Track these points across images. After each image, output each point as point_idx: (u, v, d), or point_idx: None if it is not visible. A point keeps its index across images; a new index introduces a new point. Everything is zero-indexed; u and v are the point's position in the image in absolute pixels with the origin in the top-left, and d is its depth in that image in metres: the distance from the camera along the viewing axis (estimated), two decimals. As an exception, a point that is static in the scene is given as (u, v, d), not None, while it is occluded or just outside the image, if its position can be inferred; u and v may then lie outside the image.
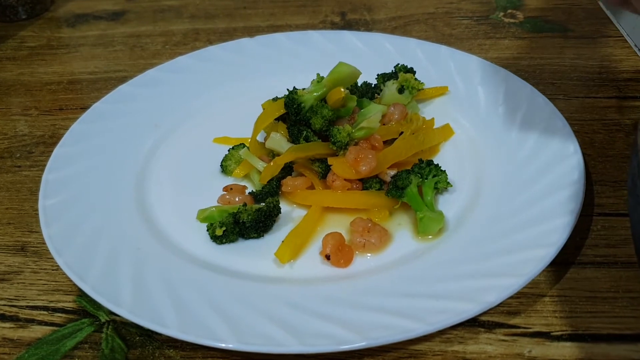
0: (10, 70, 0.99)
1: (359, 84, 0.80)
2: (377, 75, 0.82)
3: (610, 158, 0.72)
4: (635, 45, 0.92)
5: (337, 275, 0.60)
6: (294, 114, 0.72)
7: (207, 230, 0.64)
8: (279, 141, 0.71)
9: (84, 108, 0.83)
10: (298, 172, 0.71)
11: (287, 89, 0.75)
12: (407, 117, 0.74)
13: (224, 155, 0.74)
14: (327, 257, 0.61)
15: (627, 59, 0.89)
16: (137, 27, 1.09)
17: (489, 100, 0.78)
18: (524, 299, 0.57)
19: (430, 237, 0.63)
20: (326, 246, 0.61)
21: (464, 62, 0.84)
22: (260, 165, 0.71)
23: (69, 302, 0.61)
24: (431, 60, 0.86)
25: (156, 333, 0.57)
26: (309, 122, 0.71)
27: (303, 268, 0.62)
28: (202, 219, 0.67)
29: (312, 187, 0.69)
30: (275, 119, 0.74)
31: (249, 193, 0.69)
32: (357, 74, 0.74)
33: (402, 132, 0.72)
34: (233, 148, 0.74)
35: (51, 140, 0.82)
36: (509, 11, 1.04)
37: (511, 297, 0.56)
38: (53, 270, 0.64)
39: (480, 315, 0.56)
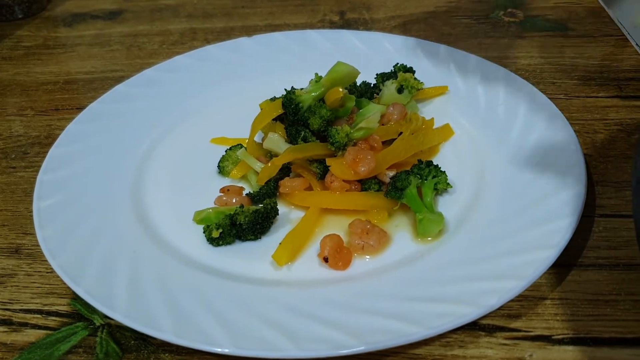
0: (6, 70, 0.98)
1: (358, 84, 0.79)
2: (376, 74, 0.81)
3: (612, 158, 0.71)
4: (637, 44, 0.91)
5: (336, 278, 0.60)
6: (292, 114, 0.71)
7: (204, 232, 0.64)
8: (276, 142, 0.71)
9: (80, 108, 0.82)
10: (296, 173, 0.70)
11: (285, 89, 0.74)
12: (406, 117, 0.74)
13: (221, 156, 0.73)
14: (325, 260, 0.60)
15: (629, 58, 0.88)
16: (134, 26, 1.08)
17: (489, 100, 0.78)
18: (525, 301, 0.57)
19: (429, 238, 0.63)
20: (324, 248, 0.61)
21: (463, 62, 0.84)
22: (258, 166, 0.70)
23: (63, 305, 0.60)
24: (431, 60, 0.85)
25: (151, 337, 0.56)
26: (307, 122, 0.70)
27: (301, 270, 0.61)
28: (199, 220, 0.66)
29: (310, 188, 0.68)
30: (273, 119, 0.74)
31: (246, 194, 0.69)
32: (356, 73, 0.73)
33: (401, 133, 0.72)
34: (230, 149, 0.73)
35: (47, 141, 0.81)
36: (509, 10, 1.04)
37: (512, 300, 0.56)
38: (47, 273, 0.63)
39: (481, 318, 0.55)
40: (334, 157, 0.68)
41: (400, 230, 0.64)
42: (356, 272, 0.60)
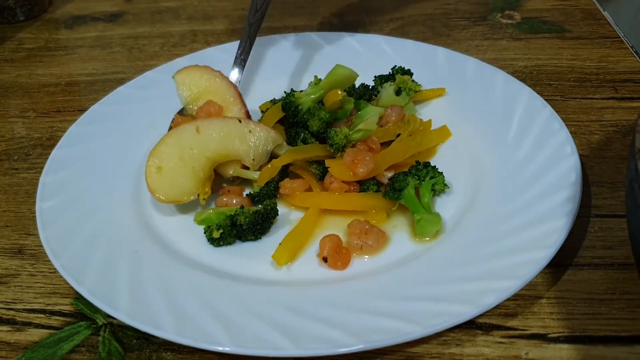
0: (8, 72, 0.99)
1: (357, 86, 0.80)
2: (375, 77, 0.82)
3: (607, 159, 0.72)
4: (632, 46, 0.92)
5: (335, 277, 0.60)
6: (292, 116, 0.72)
7: (205, 232, 0.65)
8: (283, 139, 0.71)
9: (82, 110, 0.83)
10: (295, 174, 0.71)
11: (285, 92, 0.75)
12: (404, 119, 0.74)
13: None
14: (325, 260, 0.61)
15: (624, 59, 0.89)
16: (135, 28, 1.09)
17: (486, 101, 0.78)
18: (521, 301, 0.57)
19: (427, 239, 0.63)
20: (323, 248, 0.61)
21: (461, 64, 0.85)
22: (256, 174, 0.70)
23: (66, 305, 0.61)
24: (428, 62, 0.86)
25: (153, 336, 0.57)
26: (306, 124, 0.71)
27: (300, 270, 0.62)
28: (200, 221, 0.67)
29: (309, 189, 0.69)
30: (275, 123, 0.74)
31: (247, 195, 0.69)
32: (355, 76, 0.74)
33: (399, 134, 0.72)
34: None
35: (49, 143, 0.82)
36: (506, 12, 1.04)
37: (508, 299, 0.56)
38: (50, 273, 0.64)
39: (478, 317, 0.56)
40: (333, 159, 0.68)
41: (398, 231, 0.65)
42: (355, 272, 0.61)
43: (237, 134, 0.69)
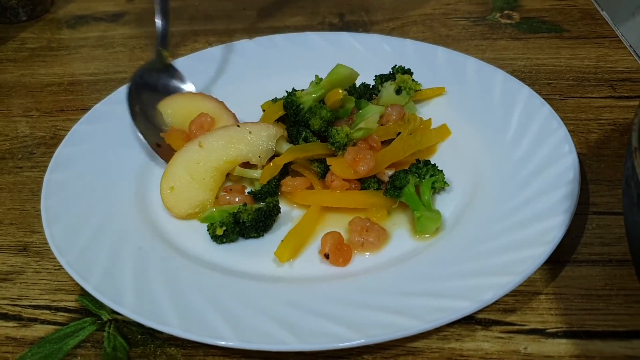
0: (11, 72, 1.00)
1: (357, 85, 0.80)
2: (375, 76, 0.83)
3: (605, 157, 0.73)
4: (630, 46, 0.92)
5: (336, 274, 0.61)
6: (293, 115, 0.72)
7: (208, 230, 0.65)
8: (278, 142, 0.72)
9: (85, 109, 0.84)
10: (296, 172, 0.71)
11: (286, 91, 0.75)
12: (404, 118, 0.75)
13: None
14: (326, 256, 0.62)
15: (622, 59, 0.90)
16: (137, 28, 1.09)
17: (485, 100, 0.79)
18: (520, 296, 0.58)
19: (427, 236, 0.64)
20: (325, 245, 0.62)
21: (460, 63, 0.85)
22: (257, 174, 0.71)
23: (71, 301, 0.62)
24: (428, 62, 0.87)
25: (158, 331, 0.57)
26: (307, 123, 0.72)
27: (302, 267, 0.62)
28: (203, 219, 0.68)
29: (311, 187, 0.70)
30: (275, 120, 0.75)
31: (249, 193, 0.70)
32: (355, 75, 0.74)
33: (399, 133, 0.73)
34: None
35: (52, 141, 0.83)
36: (506, 12, 1.05)
37: (507, 295, 0.57)
38: (55, 270, 0.65)
39: (477, 313, 0.57)
40: (335, 157, 0.69)
41: (398, 228, 0.66)
42: (356, 269, 0.62)
43: (239, 138, 0.70)
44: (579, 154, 0.68)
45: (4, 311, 0.61)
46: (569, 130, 0.71)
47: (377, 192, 0.68)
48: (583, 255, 0.62)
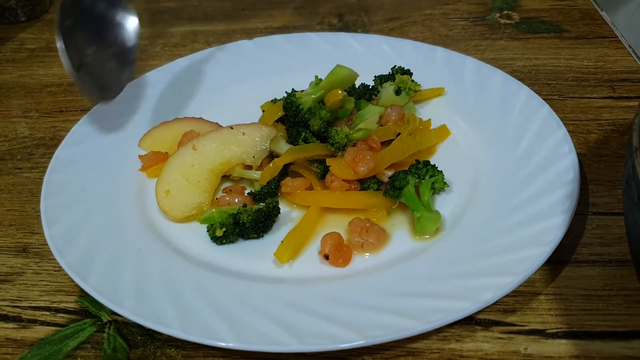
0: (10, 73, 1.00)
1: (357, 86, 0.81)
2: (375, 76, 0.83)
3: (605, 158, 0.73)
4: (630, 46, 0.93)
5: (336, 274, 0.61)
6: (293, 116, 0.72)
7: (207, 231, 0.65)
8: (278, 142, 0.72)
9: (84, 110, 0.84)
10: (296, 173, 0.71)
11: (286, 92, 0.75)
12: (404, 118, 0.75)
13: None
14: (326, 257, 0.62)
15: (622, 59, 0.90)
16: (136, 29, 1.09)
17: (485, 101, 0.79)
18: (520, 297, 0.58)
19: (427, 236, 0.64)
20: (325, 246, 0.62)
21: (460, 64, 0.85)
22: (256, 175, 0.71)
23: (71, 302, 0.62)
24: (428, 62, 0.87)
25: (157, 333, 0.57)
26: (307, 123, 0.72)
27: (302, 268, 0.62)
28: (202, 220, 0.68)
29: (311, 188, 0.70)
30: (275, 121, 0.75)
31: (248, 194, 0.70)
32: (355, 76, 0.75)
33: (399, 133, 0.73)
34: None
35: (52, 142, 0.83)
36: (505, 12, 1.05)
37: (507, 296, 0.57)
38: (55, 271, 0.65)
39: (477, 313, 0.57)
40: (334, 158, 0.69)
41: (398, 228, 0.66)
42: (356, 269, 0.62)
43: (232, 140, 0.71)
44: (578, 154, 0.69)
45: (4, 312, 0.61)
46: (568, 131, 0.71)
47: (376, 193, 0.68)
48: (583, 256, 0.62)
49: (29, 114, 0.89)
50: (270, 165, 0.69)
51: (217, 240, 0.65)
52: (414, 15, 1.06)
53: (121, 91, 0.76)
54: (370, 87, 0.82)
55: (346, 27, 1.04)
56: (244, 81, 0.88)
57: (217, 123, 0.78)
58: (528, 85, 0.80)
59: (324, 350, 0.52)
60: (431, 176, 0.67)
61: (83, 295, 0.62)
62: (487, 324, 0.56)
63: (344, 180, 0.68)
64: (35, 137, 0.84)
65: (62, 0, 0.72)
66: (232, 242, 0.65)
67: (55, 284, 0.63)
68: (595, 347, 0.54)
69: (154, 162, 0.74)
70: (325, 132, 0.71)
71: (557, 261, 0.61)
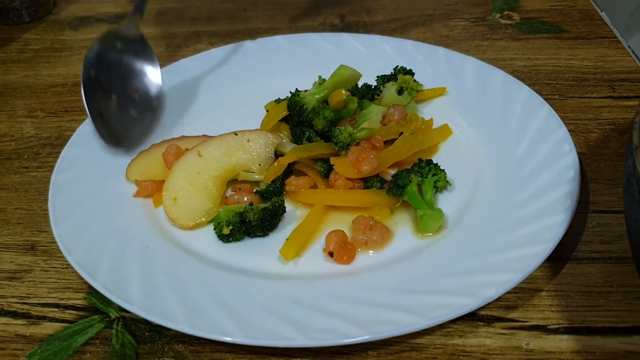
0: (15, 73, 1.00)
1: (359, 86, 0.81)
2: (377, 76, 0.83)
3: (605, 157, 0.74)
4: (629, 46, 0.93)
5: (340, 271, 0.62)
6: (297, 116, 0.73)
7: (214, 229, 0.66)
8: (282, 142, 0.73)
9: (90, 110, 0.84)
10: (300, 171, 0.72)
11: (290, 92, 0.76)
12: (406, 118, 0.76)
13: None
14: (331, 254, 0.63)
15: (621, 59, 0.91)
16: (139, 29, 1.10)
17: (486, 100, 0.80)
18: (521, 293, 0.59)
19: (430, 234, 0.65)
20: (329, 243, 0.63)
21: (461, 64, 0.86)
22: (257, 177, 0.72)
23: (79, 299, 0.62)
24: (429, 62, 0.87)
25: (165, 328, 0.58)
26: (311, 123, 0.73)
27: (307, 265, 0.63)
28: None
29: (315, 187, 0.70)
30: (279, 120, 0.76)
31: (255, 192, 0.71)
32: (358, 76, 0.75)
33: (402, 133, 0.74)
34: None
35: (57, 142, 0.84)
36: (506, 12, 1.06)
37: (509, 292, 0.58)
38: (63, 268, 0.66)
39: (480, 309, 0.57)
40: (338, 157, 0.70)
41: (401, 226, 0.67)
42: (360, 266, 0.63)
43: (238, 147, 0.71)
44: (578, 153, 0.69)
45: (13, 309, 0.62)
46: (568, 130, 0.72)
47: (380, 191, 0.69)
48: (583, 253, 0.63)
49: (34, 113, 0.90)
50: (275, 164, 0.70)
51: (224, 238, 0.65)
52: (415, 16, 1.07)
53: (143, 138, 0.78)
54: (373, 87, 0.82)
55: (348, 28, 1.05)
56: (247, 81, 0.88)
57: (204, 135, 0.76)
58: (529, 85, 0.80)
59: (329, 345, 0.53)
60: (433, 175, 0.68)
61: (91, 292, 0.63)
62: (490, 320, 0.57)
63: (347, 178, 0.68)
64: (41, 137, 0.85)
65: (87, 53, 0.76)
66: (238, 240, 0.66)
67: (64, 281, 0.64)
68: (596, 343, 0.55)
69: (151, 191, 0.71)
70: (329, 131, 0.72)
71: (558, 258, 0.62)
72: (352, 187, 0.69)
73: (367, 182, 0.70)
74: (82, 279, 0.61)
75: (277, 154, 0.73)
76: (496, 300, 0.57)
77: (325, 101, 0.74)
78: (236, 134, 0.72)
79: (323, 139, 0.73)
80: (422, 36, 1.01)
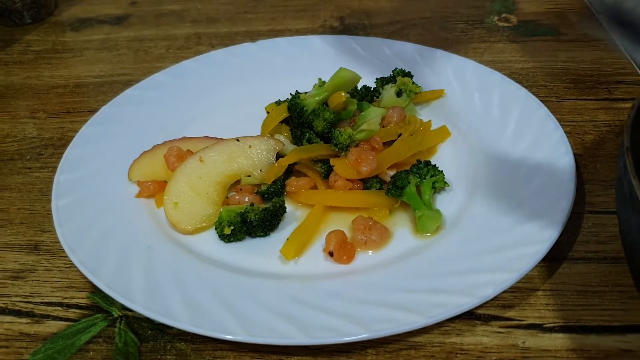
0: (17, 74, 1.01)
1: (359, 88, 0.82)
2: (376, 79, 0.84)
3: (601, 158, 0.75)
4: (625, 49, 0.94)
5: (340, 271, 0.63)
6: (297, 117, 0.74)
7: (216, 229, 0.67)
8: (282, 143, 0.74)
9: (91, 111, 0.85)
10: (300, 172, 0.73)
11: (290, 93, 0.77)
12: (405, 120, 0.77)
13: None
14: (330, 254, 0.63)
15: (617, 61, 0.92)
16: (140, 31, 1.11)
17: (484, 102, 0.81)
18: (518, 293, 0.60)
19: (428, 234, 0.66)
20: (329, 243, 0.64)
21: (459, 66, 0.87)
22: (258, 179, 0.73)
23: (83, 298, 0.63)
24: (428, 64, 0.88)
25: (167, 327, 0.59)
26: (311, 124, 0.74)
27: (307, 264, 0.64)
28: (210, 218, 0.69)
29: (315, 187, 0.71)
30: (279, 122, 0.77)
31: (256, 193, 0.72)
32: (357, 78, 0.76)
33: (400, 134, 0.75)
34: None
35: (60, 143, 0.84)
36: (503, 15, 1.07)
37: (506, 291, 0.59)
38: (66, 268, 0.66)
39: (477, 308, 0.58)
40: (338, 158, 0.71)
41: (400, 227, 0.68)
42: (359, 266, 0.64)
43: (239, 152, 0.72)
44: (575, 154, 0.70)
45: (17, 308, 0.62)
46: (565, 132, 0.73)
47: (379, 192, 0.70)
48: (579, 253, 0.64)
49: (36, 114, 0.91)
50: (276, 165, 0.71)
51: (225, 238, 0.66)
52: (414, 19, 1.08)
53: None
54: (372, 89, 0.83)
55: (347, 30, 1.06)
56: (248, 83, 0.89)
57: (205, 136, 0.77)
58: (526, 87, 0.81)
59: (329, 343, 0.54)
60: (432, 176, 0.69)
61: (94, 291, 0.63)
62: (487, 319, 0.58)
63: (347, 179, 0.69)
64: (43, 138, 0.86)
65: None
66: (239, 240, 0.67)
67: (67, 280, 0.65)
68: (591, 341, 0.56)
69: (153, 191, 0.72)
70: (328, 133, 0.73)
71: (554, 258, 0.63)
72: (351, 187, 0.70)
73: (367, 183, 0.71)
74: (85, 278, 0.61)
75: (278, 155, 0.74)
76: (493, 299, 0.58)
77: (325, 103, 0.75)
78: (238, 140, 0.73)
79: (323, 141, 0.74)
80: (421, 38, 1.02)
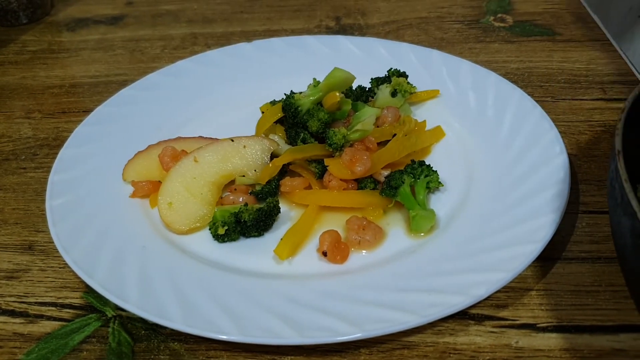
0: (13, 74, 1.01)
1: (354, 88, 0.82)
2: (371, 79, 0.84)
3: (595, 158, 0.75)
4: (621, 49, 0.94)
5: (334, 271, 0.63)
6: (292, 117, 0.74)
7: (210, 229, 0.67)
8: (277, 143, 0.74)
9: (86, 111, 0.85)
10: (295, 172, 0.73)
11: (285, 94, 0.77)
12: (400, 120, 0.77)
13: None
14: (324, 254, 0.63)
15: (612, 62, 0.92)
16: (136, 31, 1.11)
17: (479, 102, 0.81)
18: (511, 292, 0.60)
19: (422, 234, 0.66)
20: (323, 243, 0.64)
21: (455, 66, 0.87)
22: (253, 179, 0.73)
23: (76, 298, 0.63)
24: (423, 64, 0.88)
25: (161, 327, 0.59)
26: (306, 124, 0.74)
27: (301, 264, 0.64)
28: (204, 218, 0.69)
29: (309, 187, 0.71)
30: (274, 122, 0.77)
31: (250, 193, 0.72)
32: (352, 78, 0.76)
33: (395, 134, 0.75)
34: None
35: (55, 143, 0.84)
36: (499, 15, 1.07)
37: (499, 291, 0.59)
38: (60, 268, 0.66)
39: (470, 308, 0.59)
40: (332, 158, 0.71)
41: (394, 227, 0.68)
42: (353, 266, 0.64)
43: (234, 153, 0.72)
44: (569, 154, 0.70)
45: (11, 308, 0.62)
46: (560, 132, 0.73)
47: (373, 192, 0.70)
48: (573, 253, 0.64)
49: (32, 115, 0.91)
50: (270, 165, 0.71)
51: (219, 238, 0.66)
52: (410, 19, 1.08)
53: None
54: (367, 89, 0.83)
55: (343, 30, 1.06)
56: (243, 83, 0.89)
57: (200, 136, 0.78)
58: (521, 87, 0.81)
59: (322, 342, 0.54)
60: (426, 176, 0.69)
61: (88, 291, 0.63)
62: (480, 319, 0.58)
63: (341, 179, 0.69)
64: (38, 138, 0.86)
65: None
66: (233, 240, 0.67)
67: (61, 280, 0.65)
68: (584, 341, 0.56)
69: (147, 191, 0.72)
70: (323, 133, 0.73)
71: (547, 258, 0.63)
72: (345, 187, 0.70)
73: (361, 183, 0.71)
74: (79, 278, 0.61)
75: (272, 155, 0.74)
76: (486, 299, 0.59)
77: (319, 103, 0.75)
78: (232, 140, 0.73)
79: (317, 141, 0.74)
80: (416, 39, 1.02)
